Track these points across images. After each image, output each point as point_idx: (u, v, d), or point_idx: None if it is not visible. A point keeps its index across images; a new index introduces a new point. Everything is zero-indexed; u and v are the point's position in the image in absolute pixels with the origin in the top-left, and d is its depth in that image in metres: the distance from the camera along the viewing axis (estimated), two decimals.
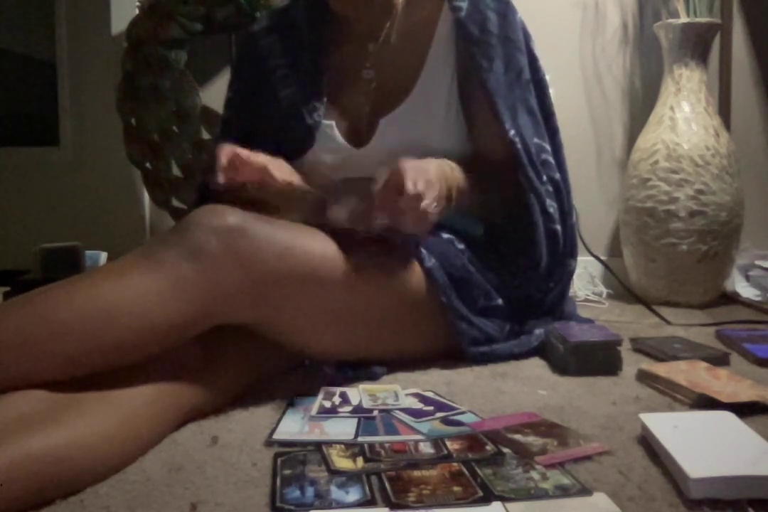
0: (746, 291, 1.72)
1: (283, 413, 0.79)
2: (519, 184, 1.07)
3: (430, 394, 0.86)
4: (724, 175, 1.58)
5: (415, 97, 1.11)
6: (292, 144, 1.10)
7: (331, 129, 1.10)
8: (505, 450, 0.68)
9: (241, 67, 1.25)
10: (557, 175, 1.11)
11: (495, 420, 0.77)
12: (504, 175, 1.10)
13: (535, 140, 1.10)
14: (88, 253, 1.58)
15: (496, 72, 1.07)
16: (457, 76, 1.11)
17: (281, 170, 0.97)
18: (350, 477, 0.61)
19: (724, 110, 1.77)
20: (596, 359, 0.99)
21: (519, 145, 1.06)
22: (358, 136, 1.10)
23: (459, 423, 0.76)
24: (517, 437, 0.70)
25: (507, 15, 1.11)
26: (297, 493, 0.58)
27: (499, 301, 1.05)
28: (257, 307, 0.83)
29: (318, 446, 0.68)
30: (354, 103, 1.12)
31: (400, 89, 1.12)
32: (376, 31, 1.15)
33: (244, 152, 0.93)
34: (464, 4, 1.08)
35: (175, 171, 1.86)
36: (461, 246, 1.04)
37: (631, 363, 1.02)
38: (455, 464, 0.64)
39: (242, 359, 0.87)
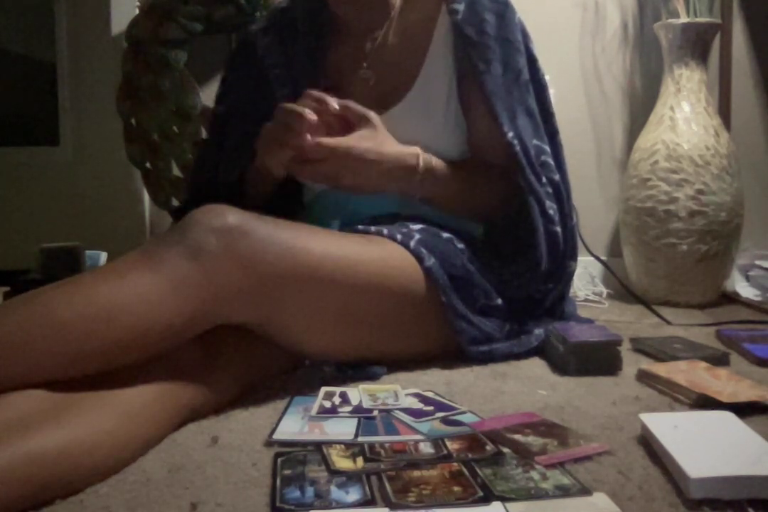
0: (746, 291, 1.72)
1: (283, 413, 0.79)
2: (518, 185, 1.07)
3: (430, 394, 0.86)
4: (724, 175, 1.58)
5: (413, 97, 1.11)
6: None
7: None
8: (505, 450, 0.68)
9: (237, 65, 1.25)
10: (557, 177, 1.11)
11: (495, 420, 0.77)
12: (503, 176, 1.10)
13: (535, 141, 1.10)
14: (88, 252, 1.58)
15: (494, 74, 1.07)
16: (456, 77, 1.11)
17: None
18: (350, 477, 0.61)
19: (724, 110, 1.77)
20: (596, 359, 0.99)
21: (518, 147, 1.06)
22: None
23: (459, 423, 0.76)
24: (517, 437, 0.70)
25: (505, 16, 1.11)
26: (297, 493, 0.58)
27: (499, 301, 1.05)
28: (257, 307, 0.83)
29: (318, 446, 0.68)
30: None
31: (397, 89, 1.12)
32: (374, 31, 1.15)
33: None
34: (461, 7, 1.08)
35: (175, 171, 1.85)
36: (461, 245, 1.04)
37: (631, 363, 1.02)
38: (455, 464, 0.64)
39: (242, 359, 0.87)
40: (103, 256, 1.65)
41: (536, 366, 1.03)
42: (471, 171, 1.10)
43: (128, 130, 1.84)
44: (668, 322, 1.40)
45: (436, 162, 1.06)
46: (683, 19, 1.62)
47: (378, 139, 1.01)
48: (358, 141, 0.99)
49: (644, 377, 0.94)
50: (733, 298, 1.69)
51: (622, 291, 1.65)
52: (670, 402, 0.85)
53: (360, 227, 1.03)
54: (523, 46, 1.12)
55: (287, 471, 0.62)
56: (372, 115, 1.01)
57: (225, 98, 1.24)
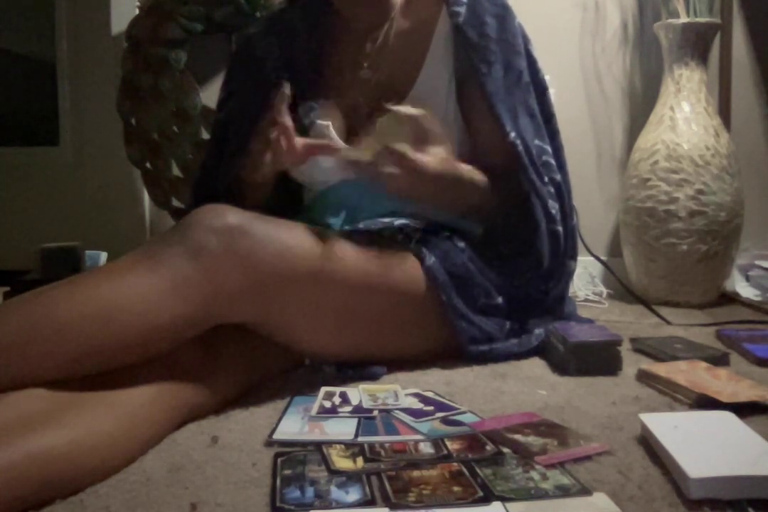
0: (746, 291, 1.72)
1: (283, 413, 0.79)
2: (520, 185, 1.07)
3: (430, 394, 0.86)
4: (724, 175, 1.58)
5: (413, 98, 1.11)
6: None
7: (328, 129, 1.10)
8: (505, 450, 0.68)
9: (238, 68, 1.25)
10: (558, 176, 1.11)
11: (495, 420, 0.77)
12: (505, 176, 1.10)
13: (536, 142, 1.10)
14: (88, 252, 1.58)
15: (495, 76, 1.08)
16: (456, 79, 1.11)
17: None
18: (350, 477, 0.61)
19: (724, 110, 1.77)
20: (596, 359, 0.99)
21: (520, 147, 1.06)
22: (356, 136, 1.10)
23: (459, 423, 0.76)
24: (517, 437, 0.70)
25: (506, 19, 1.12)
26: (297, 493, 0.58)
27: (499, 300, 1.05)
28: (257, 307, 0.83)
29: (318, 446, 0.68)
30: (351, 104, 1.12)
31: (398, 90, 1.12)
32: (374, 31, 1.15)
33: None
34: (462, 10, 1.08)
35: (175, 171, 1.85)
36: (461, 244, 1.04)
37: (631, 363, 1.02)
38: (455, 464, 0.64)
39: (242, 359, 0.87)
40: (103, 256, 1.65)
41: (536, 366, 1.03)
42: (475, 172, 1.09)
43: (128, 130, 1.84)
44: (668, 322, 1.40)
45: (466, 169, 1.03)
46: (683, 19, 1.62)
47: (447, 161, 0.97)
48: (440, 163, 0.94)
49: (644, 377, 0.94)
50: (733, 298, 1.69)
51: (622, 291, 1.65)
52: (670, 402, 0.85)
53: (361, 226, 1.03)
54: (523, 48, 1.13)
55: (287, 471, 0.62)
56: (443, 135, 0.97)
57: (226, 103, 1.24)
